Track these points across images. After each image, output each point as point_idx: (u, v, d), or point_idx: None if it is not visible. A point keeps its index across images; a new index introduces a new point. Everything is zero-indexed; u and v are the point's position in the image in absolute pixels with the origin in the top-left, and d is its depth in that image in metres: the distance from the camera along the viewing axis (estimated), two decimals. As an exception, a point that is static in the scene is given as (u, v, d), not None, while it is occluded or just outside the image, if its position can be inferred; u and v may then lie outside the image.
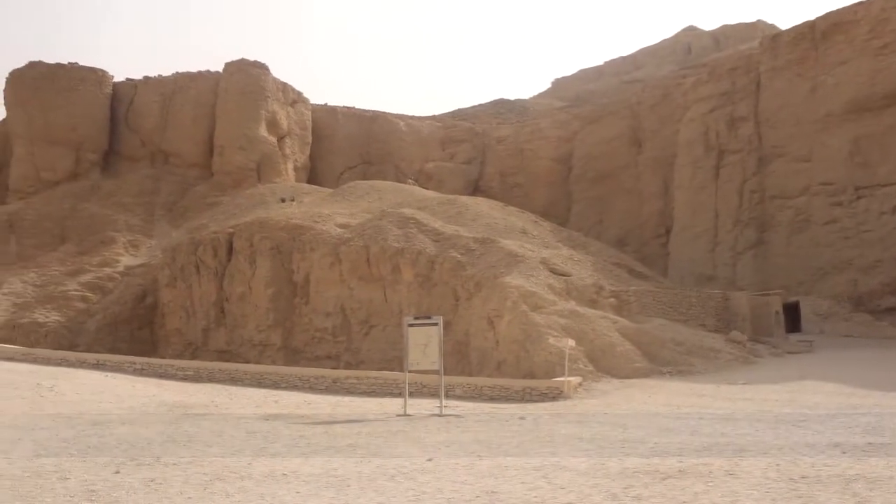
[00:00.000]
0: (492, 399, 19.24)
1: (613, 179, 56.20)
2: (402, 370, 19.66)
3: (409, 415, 15.95)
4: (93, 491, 8.76)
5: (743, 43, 64.85)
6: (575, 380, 19.95)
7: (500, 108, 76.85)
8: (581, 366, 21.49)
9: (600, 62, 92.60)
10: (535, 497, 8.28)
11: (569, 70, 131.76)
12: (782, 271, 42.21)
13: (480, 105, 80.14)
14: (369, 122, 63.71)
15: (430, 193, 43.18)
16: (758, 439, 11.79)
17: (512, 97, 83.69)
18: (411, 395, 17.71)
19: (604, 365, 22.29)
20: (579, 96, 77.57)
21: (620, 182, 55.75)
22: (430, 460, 10.57)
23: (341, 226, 34.05)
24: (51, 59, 57.30)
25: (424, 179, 60.18)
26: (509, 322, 24.18)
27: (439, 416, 15.81)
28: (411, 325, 17.16)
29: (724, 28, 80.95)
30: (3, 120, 58.52)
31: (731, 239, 45.46)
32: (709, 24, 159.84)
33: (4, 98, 56.77)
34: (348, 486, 9.02)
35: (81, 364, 26.36)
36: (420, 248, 29.95)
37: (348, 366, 29.03)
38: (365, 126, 63.21)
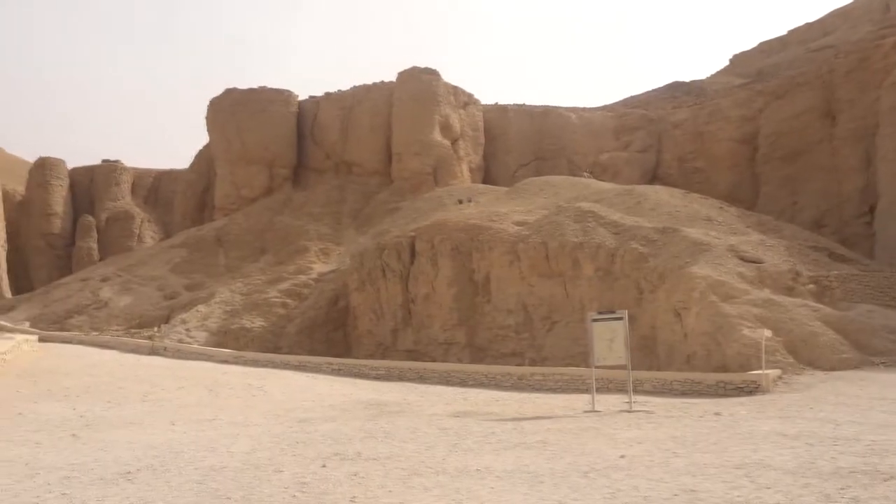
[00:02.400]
0: (682, 394, 18.57)
1: (806, 157, 52.12)
2: (587, 366, 19.45)
3: (597, 411, 15.75)
4: (304, 483, 9.40)
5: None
6: (773, 372, 18.81)
7: (675, 92, 73.77)
8: (780, 357, 20.20)
9: (783, 32, 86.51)
10: (739, 497, 7.90)
11: (748, 44, 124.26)
12: None
13: (654, 90, 77.38)
14: (540, 118, 63.49)
15: (607, 185, 42.33)
16: None
17: (687, 79, 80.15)
18: (598, 391, 17.47)
19: (805, 356, 20.81)
20: (762, 71, 72.75)
21: (814, 159, 51.57)
22: (622, 457, 10.38)
23: (518, 223, 34.23)
24: (243, 85, 61.99)
25: (599, 171, 59.05)
26: (698, 314, 23.21)
27: (629, 412, 15.48)
28: (595, 321, 16.93)
29: (927, -21, 72.76)
30: (207, 144, 64.37)
31: (949, 213, 40.75)
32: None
33: (207, 124, 62.48)
34: (541, 482, 9.06)
35: (285, 366, 28.43)
36: (599, 242, 29.47)
37: (532, 362, 29.13)
38: (536, 122, 63.07)
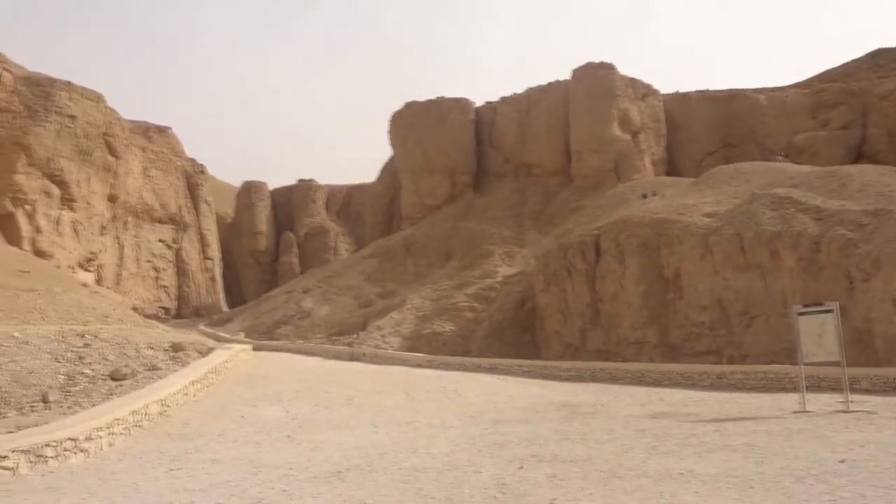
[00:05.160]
0: (908, 392, 16.87)
1: None
2: (793, 363, 18.22)
3: (808, 411, 14.69)
4: (503, 484, 9.53)
5: None
6: None
7: (879, 60, 67.08)
8: None
9: None
10: None
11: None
12: None
13: (853, 61, 70.90)
14: (725, 103, 60.25)
15: (805, 168, 39.34)
16: None
17: (892, 44, 72.72)
18: (807, 389, 16.27)
19: None
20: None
21: None
22: (842, 461, 9.60)
23: (708, 215, 32.67)
24: (422, 98, 64.18)
25: (795, 154, 55.00)
26: (921, 303, 20.99)
27: (845, 412, 14.29)
28: (801, 314, 15.80)
29: None
30: (391, 157, 67.21)
31: None
32: None
33: (390, 138, 65.29)
34: (751, 486, 8.59)
35: (476, 368, 29.00)
36: (800, 230, 27.45)
37: (731, 360, 27.65)
38: (721, 107, 59.93)
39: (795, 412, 14.82)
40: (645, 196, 45.01)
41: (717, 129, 59.16)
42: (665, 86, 75.86)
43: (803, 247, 26.91)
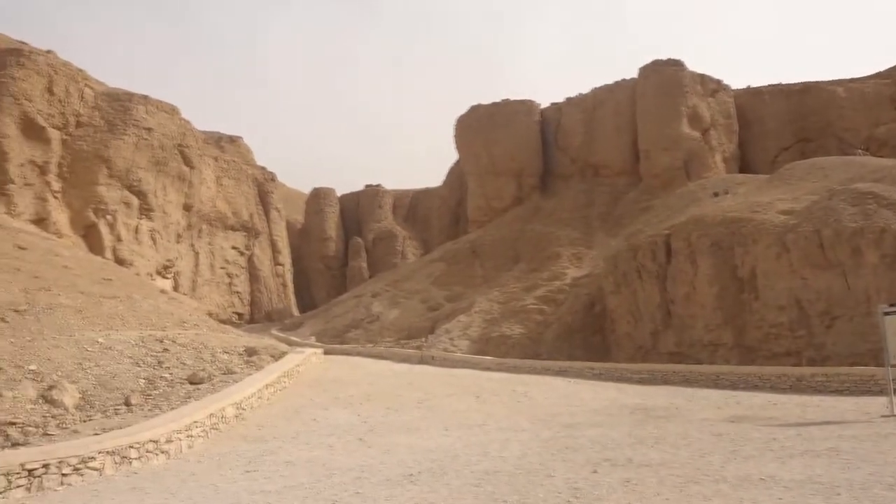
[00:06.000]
0: None
1: None
2: (878, 365, 17.46)
3: (896, 415, 14.06)
4: (576, 488, 9.40)
5: None
6: None
7: (968, 47, 63.98)
8: None
9: None
10: None
11: None
12: None
13: (939, 48, 67.68)
14: (800, 96, 58.24)
15: (888, 162, 37.71)
16: None
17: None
18: (895, 392, 15.57)
19: None
20: None
21: None
22: (936, 468, 9.15)
23: (784, 212, 31.65)
24: (486, 101, 64.16)
25: (876, 147, 52.77)
26: None
27: (937, 416, 13.63)
28: (887, 314, 15.15)
29: None
30: (457, 161, 67.35)
31: None
32: None
33: (455, 142, 65.48)
34: (838, 493, 8.26)
35: (546, 371, 28.77)
36: (883, 226, 26.33)
37: (811, 362, 26.70)
38: (795, 101, 57.97)
39: (884, 416, 14.22)
40: (717, 194, 43.91)
41: (792, 123, 57.26)
42: (736, 81, 73.56)
43: (888, 243, 25.83)
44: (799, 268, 28.68)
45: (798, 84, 60.15)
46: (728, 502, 8.24)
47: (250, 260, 73.37)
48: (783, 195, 34.65)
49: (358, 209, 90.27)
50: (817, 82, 59.46)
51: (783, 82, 61.31)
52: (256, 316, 71.87)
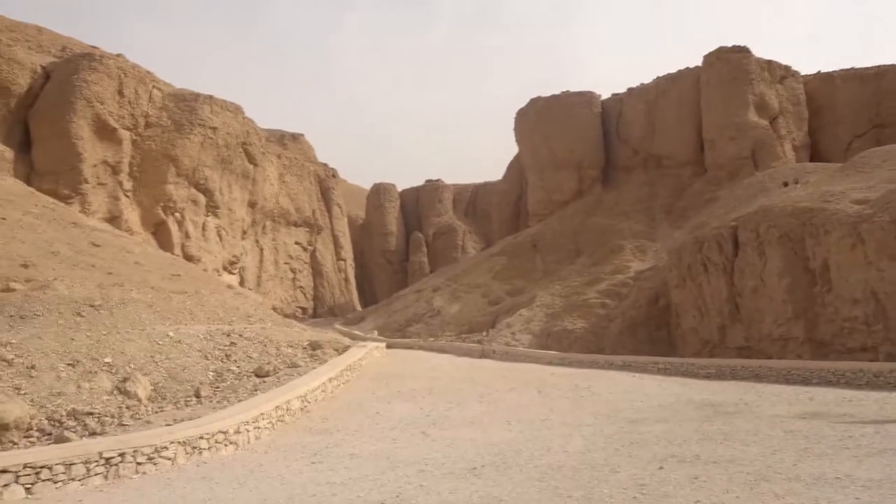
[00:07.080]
0: None
1: None
2: (963, 360, 16.68)
3: (983, 413, 13.41)
4: (642, 484, 9.24)
5: None
6: None
7: None
8: None
9: None
10: None
11: None
12: None
13: None
14: (875, 81, 55.98)
15: (970, 147, 36.00)
16: None
17: None
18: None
19: None
20: None
21: None
22: None
23: (858, 202, 30.47)
24: (546, 93, 63.58)
25: (958, 132, 50.47)
26: None
27: None
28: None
29: None
30: (517, 155, 67.01)
31: None
32: None
33: (515, 135, 65.15)
34: (920, 494, 7.92)
35: (609, 366, 28.41)
36: (966, 215, 25.14)
37: (889, 357, 25.65)
38: (870, 86, 55.76)
39: (967, 414, 13.57)
40: (786, 184, 42.61)
41: (866, 109, 55.08)
42: (805, 67, 71.25)
43: (970, 233, 24.62)
44: (875, 259, 27.59)
45: (872, 68, 57.84)
46: (801, 501, 7.98)
47: (313, 255, 74.51)
48: (857, 184, 33.37)
49: (418, 204, 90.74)
50: (893, 65, 57.06)
51: (856, 66, 59.09)
52: (319, 310, 72.99)
